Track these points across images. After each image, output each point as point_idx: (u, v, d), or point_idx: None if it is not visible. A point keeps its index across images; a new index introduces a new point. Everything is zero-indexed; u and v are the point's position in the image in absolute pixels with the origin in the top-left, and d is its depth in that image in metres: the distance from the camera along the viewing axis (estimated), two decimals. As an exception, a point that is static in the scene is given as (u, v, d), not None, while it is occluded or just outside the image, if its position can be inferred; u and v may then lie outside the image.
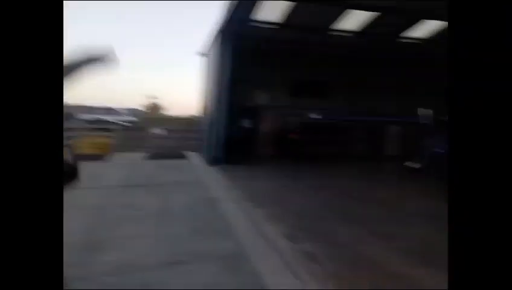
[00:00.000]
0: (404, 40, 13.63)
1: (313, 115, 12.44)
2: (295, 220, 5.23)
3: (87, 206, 5.44)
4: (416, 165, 9.43)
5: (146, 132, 17.17)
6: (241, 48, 11.80)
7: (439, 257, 2.61)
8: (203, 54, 15.24)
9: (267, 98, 14.67)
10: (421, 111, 8.96)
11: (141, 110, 35.24)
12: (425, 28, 12.62)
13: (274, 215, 5.38)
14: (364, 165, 13.02)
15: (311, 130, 14.26)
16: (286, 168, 11.63)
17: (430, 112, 8.73)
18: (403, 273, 3.48)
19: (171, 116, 28.91)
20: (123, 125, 19.67)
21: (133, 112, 35.08)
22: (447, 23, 12.19)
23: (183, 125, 19.22)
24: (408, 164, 9.75)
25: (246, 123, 14.45)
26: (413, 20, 11.98)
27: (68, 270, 1.92)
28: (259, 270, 3.40)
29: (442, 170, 8.51)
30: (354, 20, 11.74)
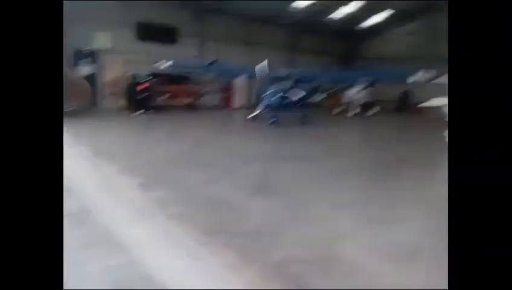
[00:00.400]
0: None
1: (164, 64, 11.97)
2: (147, 172, 5.29)
3: None
4: (255, 114, 10.80)
5: None
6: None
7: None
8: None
9: (109, 41, 12.94)
10: (260, 65, 10.05)
11: None
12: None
13: (125, 169, 5.26)
14: (214, 116, 13.88)
15: (161, 81, 13.75)
16: (131, 121, 11.09)
17: (265, 65, 9.87)
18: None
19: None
20: None
21: None
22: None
23: None
24: (251, 114, 11.04)
25: (85, 70, 12.54)
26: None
27: None
28: (109, 222, 3.40)
29: (271, 117, 10.17)
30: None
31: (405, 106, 18.06)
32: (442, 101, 8.17)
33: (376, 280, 2.64)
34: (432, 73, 10.84)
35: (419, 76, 10.63)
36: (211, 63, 15.65)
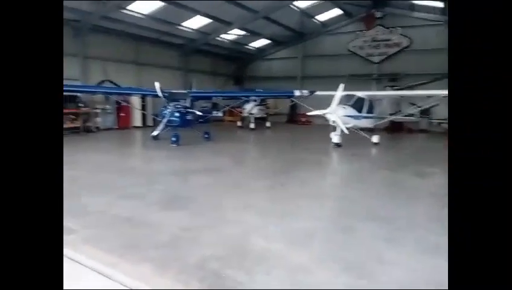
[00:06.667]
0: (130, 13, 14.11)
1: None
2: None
3: None
4: (156, 133, 10.60)
5: None
6: None
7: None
8: None
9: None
10: (156, 84, 9.94)
11: None
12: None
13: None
14: (111, 137, 12.94)
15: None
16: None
17: (158, 84, 9.86)
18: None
19: None
20: None
21: None
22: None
23: None
24: (153, 132, 10.76)
25: None
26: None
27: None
28: None
29: (175, 134, 10.22)
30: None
31: (294, 118, 20.40)
32: (322, 112, 9.67)
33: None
34: (308, 89, 12.73)
35: (300, 92, 12.33)
36: (100, 83, 14.62)
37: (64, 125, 13.17)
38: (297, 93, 12.36)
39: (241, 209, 4.53)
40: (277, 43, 21.59)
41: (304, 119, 19.12)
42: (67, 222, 3.94)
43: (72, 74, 13.96)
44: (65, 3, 11.96)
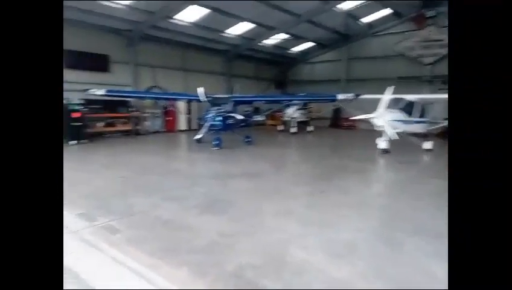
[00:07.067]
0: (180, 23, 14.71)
1: (96, 92, 11.48)
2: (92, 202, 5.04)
3: None
4: (199, 136, 10.90)
5: None
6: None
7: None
8: None
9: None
10: (200, 90, 10.25)
11: None
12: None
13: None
14: (159, 140, 13.58)
15: (96, 109, 13.13)
16: (70, 151, 10.35)
17: (202, 89, 10.14)
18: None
19: None
20: None
21: None
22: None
23: None
24: (196, 136, 11.12)
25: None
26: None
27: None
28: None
29: (218, 138, 10.45)
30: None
31: (337, 122, 19.79)
32: (368, 116, 9.22)
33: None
34: (353, 92, 12.23)
35: (344, 95, 11.89)
36: (149, 89, 15.48)
37: (116, 128, 14.16)
38: (340, 96, 11.94)
39: (280, 216, 4.43)
40: (320, 46, 21.18)
41: (347, 124, 18.48)
42: (113, 221, 4.16)
43: (125, 80, 15.00)
44: (119, 13, 12.93)
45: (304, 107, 16.64)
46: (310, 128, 16.79)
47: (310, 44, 20.83)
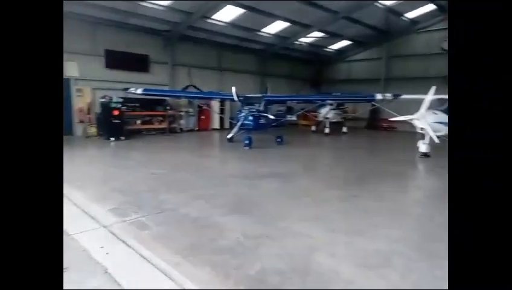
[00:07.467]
0: (217, 23, 14.89)
1: (134, 90, 11.99)
2: (120, 197, 5.22)
3: None
4: (231, 135, 10.96)
5: None
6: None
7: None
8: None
9: (77, 70, 12.83)
10: (232, 89, 10.30)
11: None
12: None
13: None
14: (192, 138, 13.89)
15: (134, 107, 13.71)
16: (108, 147, 10.88)
17: (234, 89, 10.17)
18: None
19: None
20: None
21: None
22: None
23: None
24: (228, 135, 11.20)
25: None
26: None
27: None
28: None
29: (249, 137, 10.43)
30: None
31: (374, 123, 18.98)
32: (408, 117, 8.71)
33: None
34: (391, 92, 11.62)
35: (382, 95, 11.33)
36: (185, 88, 15.88)
37: (153, 126, 14.69)
38: (378, 96, 11.40)
39: (308, 221, 4.26)
40: (358, 44, 20.44)
41: (386, 125, 17.65)
42: (142, 218, 4.25)
43: (162, 80, 15.51)
44: (159, 14, 13.40)
45: (339, 107, 16.13)
46: (344, 129, 16.26)
47: (346, 42, 20.18)
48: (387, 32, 18.71)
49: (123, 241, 3.54)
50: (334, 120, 15.75)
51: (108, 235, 3.71)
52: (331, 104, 15.13)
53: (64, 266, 2.93)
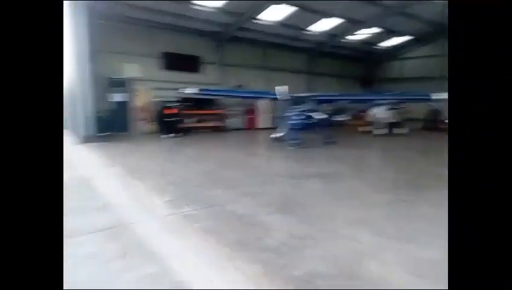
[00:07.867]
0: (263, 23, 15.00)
1: (189, 90, 12.62)
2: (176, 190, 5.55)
3: None
4: (278, 135, 11.00)
5: None
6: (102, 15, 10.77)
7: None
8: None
9: (137, 70, 13.87)
10: (279, 88, 10.34)
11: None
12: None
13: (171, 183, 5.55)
14: (240, 137, 14.22)
15: (188, 106, 14.44)
16: (163, 144, 11.59)
17: (286, 88, 10.19)
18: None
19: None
20: None
21: None
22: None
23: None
24: (273, 135, 11.27)
25: (118, 97, 13.41)
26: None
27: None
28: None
29: (296, 137, 10.36)
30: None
31: (432, 124, 17.67)
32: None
33: None
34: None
35: (439, 95, 10.52)
36: (235, 88, 16.31)
37: (203, 124, 15.33)
38: (435, 96, 10.61)
39: (354, 224, 4.15)
40: (414, 40, 19.19)
41: (445, 127, 16.33)
42: (194, 211, 4.48)
43: (213, 79, 16.10)
44: (210, 16, 13.91)
45: (394, 107, 15.24)
46: (398, 130, 15.32)
47: (401, 38, 19.06)
48: (445, 28, 17.29)
49: (178, 231, 3.79)
50: (387, 121, 14.97)
51: (165, 225, 3.98)
52: (385, 104, 14.38)
53: (122, 252, 3.23)
